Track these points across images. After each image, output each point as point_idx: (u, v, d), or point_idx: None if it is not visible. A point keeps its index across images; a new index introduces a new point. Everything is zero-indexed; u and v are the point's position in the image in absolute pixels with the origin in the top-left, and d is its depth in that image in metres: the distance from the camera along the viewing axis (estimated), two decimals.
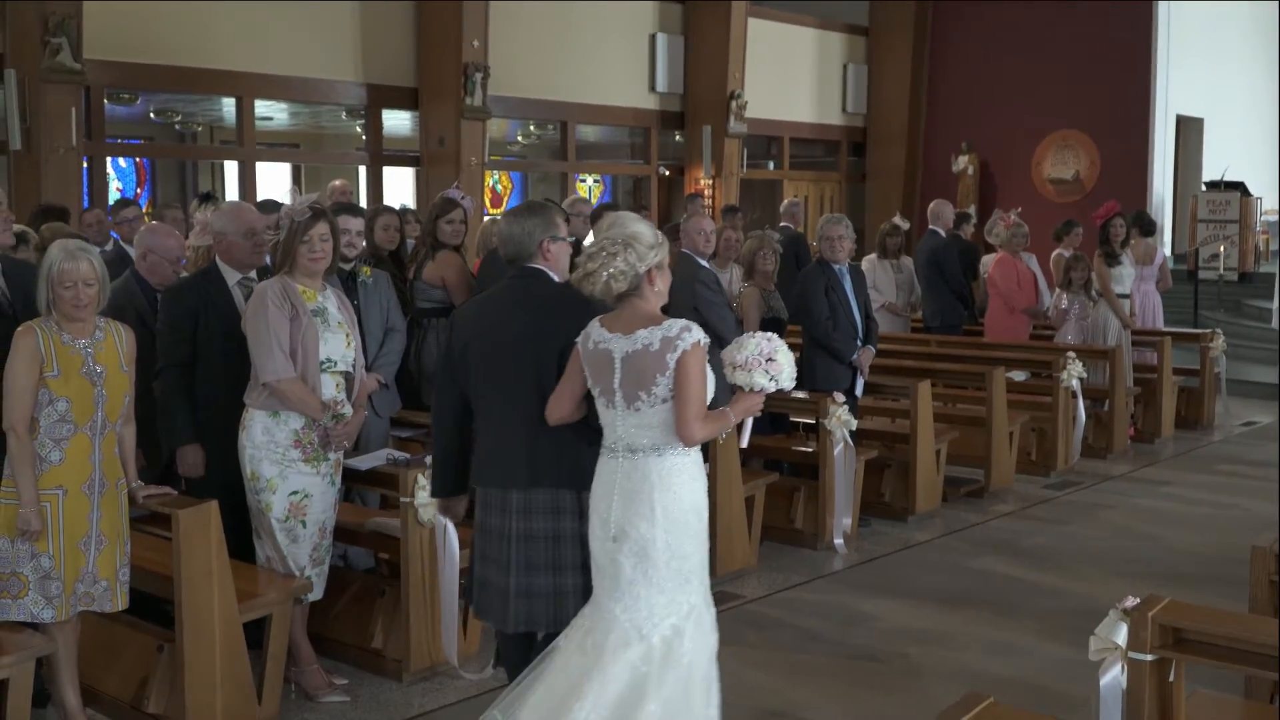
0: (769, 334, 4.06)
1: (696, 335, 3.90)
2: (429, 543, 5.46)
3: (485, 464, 4.35)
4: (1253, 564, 4.37)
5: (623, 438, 3.95)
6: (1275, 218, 19.98)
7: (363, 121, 14.57)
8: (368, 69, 13.66)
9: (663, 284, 4.10)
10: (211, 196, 9.23)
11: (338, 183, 10.41)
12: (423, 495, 5.39)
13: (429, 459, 5.51)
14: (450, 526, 5.41)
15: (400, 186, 15.22)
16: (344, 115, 15.29)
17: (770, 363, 3.93)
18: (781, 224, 12.62)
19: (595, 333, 4.01)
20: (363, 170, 14.71)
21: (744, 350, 3.96)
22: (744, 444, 4.36)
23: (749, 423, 4.15)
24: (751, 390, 3.96)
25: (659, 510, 3.90)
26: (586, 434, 4.14)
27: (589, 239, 8.20)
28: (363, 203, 13.36)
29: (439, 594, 5.47)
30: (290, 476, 5.15)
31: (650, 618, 3.90)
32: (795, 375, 4.02)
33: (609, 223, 4.06)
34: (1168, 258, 11.75)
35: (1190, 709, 3.66)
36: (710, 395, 3.97)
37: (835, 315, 7.88)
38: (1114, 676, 3.57)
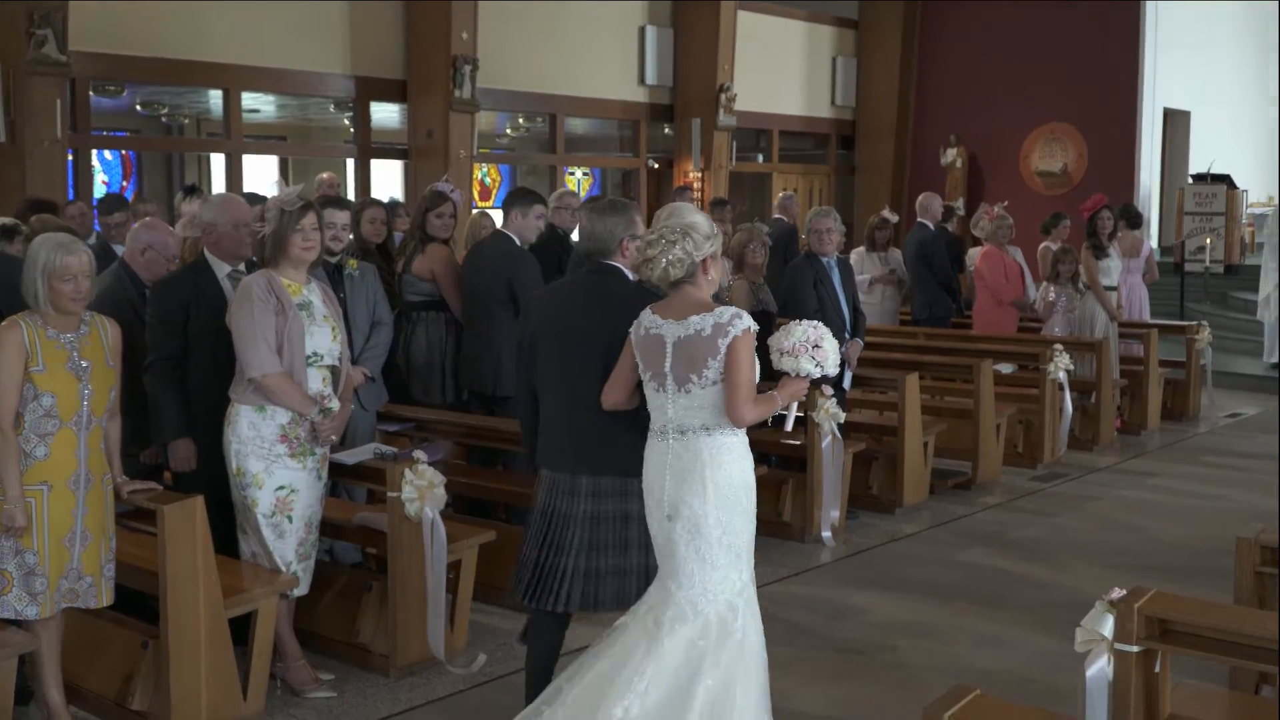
0: (815, 321, 4.18)
1: (747, 322, 4.04)
2: (416, 537, 5.45)
3: (557, 449, 4.49)
4: (1238, 555, 4.39)
5: (673, 419, 4.10)
6: (1261, 210, 20.03)
7: (351, 114, 14.54)
8: (356, 61, 13.62)
9: (715, 273, 4.24)
10: (196, 189, 9.20)
11: (325, 175, 10.40)
12: (409, 490, 5.38)
13: (416, 453, 5.53)
14: (438, 520, 5.41)
15: (388, 179, 15.20)
16: (332, 108, 15.25)
17: (816, 349, 4.08)
18: (775, 216, 12.64)
19: (647, 320, 4.17)
20: (350, 163, 14.69)
21: (791, 337, 4.10)
22: (789, 428, 4.45)
23: (794, 407, 4.28)
24: (797, 375, 4.11)
25: (710, 487, 4.05)
26: (649, 424, 4.27)
27: (575, 234, 8.20)
28: (350, 195, 13.35)
29: (426, 588, 5.46)
30: (276, 472, 5.12)
31: (705, 594, 4.04)
32: (839, 362, 4.18)
33: (668, 212, 4.21)
34: (1154, 250, 11.77)
35: (1176, 700, 3.67)
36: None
37: (823, 308, 7.87)
38: (1100, 668, 3.58)
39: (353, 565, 6.26)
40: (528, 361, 4.61)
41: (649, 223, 4.33)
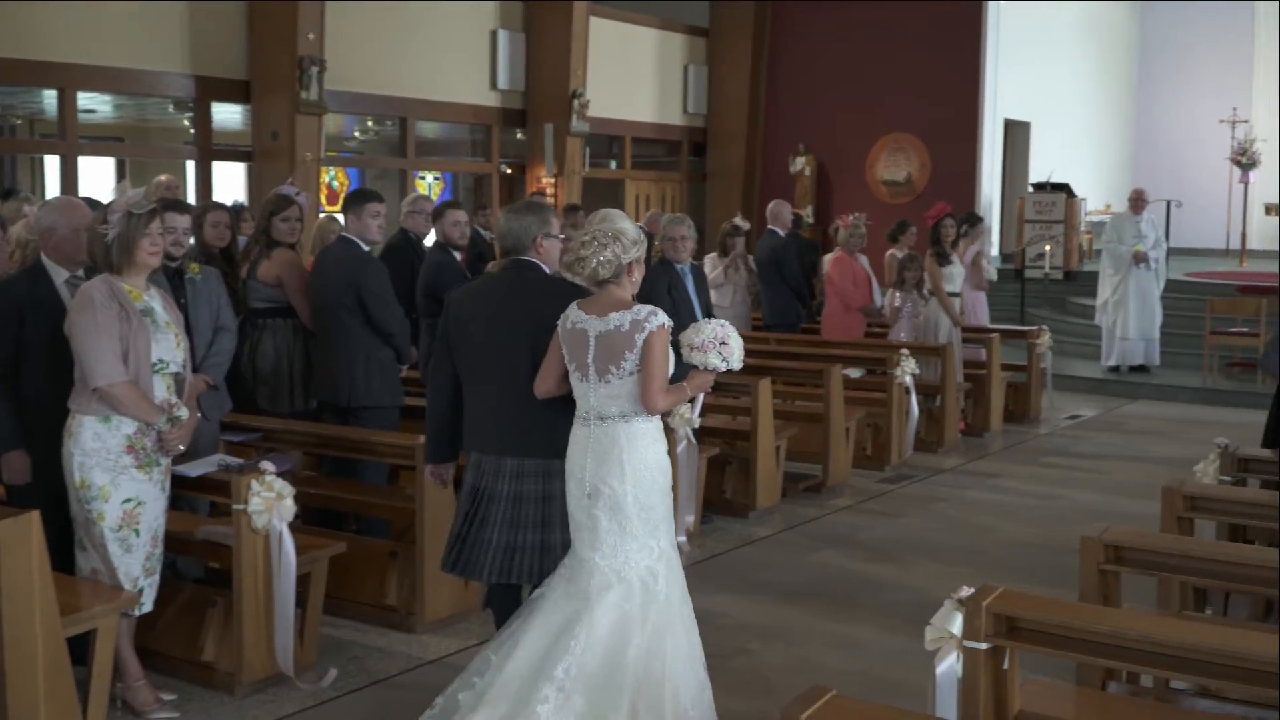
0: (723, 321, 4.59)
1: (661, 319, 4.42)
2: (263, 550, 5.30)
3: (484, 433, 4.79)
4: (1083, 553, 4.50)
5: (594, 407, 4.45)
6: (1098, 218, 20.76)
7: (191, 115, 14.13)
8: (196, 60, 13.24)
9: (638, 275, 4.61)
10: (15, 192, 8.83)
11: (164, 178, 10.08)
12: (256, 502, 5.24)
13: (263, 464, 5.38)
14: (286, 533, 5.28)
15: (231, 182, 14.82)
16: (171, 108, 14.81)
17: (724, 345, 4.46)
18: (639, 225, 12.65)
19: (573, 314, 4.51)
20: (191, 165, 14.27)
21: (701, 334, 4.48)
22: (696, 418, 4.96)
23: (700, 398, 4.73)
24: (706, 369, 4.49)
25: (627, 469, 4.41)
26: (572, 410, 4.60)
27: (429, 239, 8.10)
28: (191, 199, 12.98)
29: (274, 603, 5.32)
30: (123, 484, 4.94)
31: (627, 562, 4.40)
32: (743, 358, 4.53)
33: (600, 217, 4.58)
34: (988, 257, 12.06)
35: (1023, 696, 3.74)
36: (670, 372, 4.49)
37: (678, 314, 7.87)
38: (950, 665, 3.64)
39: (195, 580, 6.06)
40: (446, 353, 4.89)
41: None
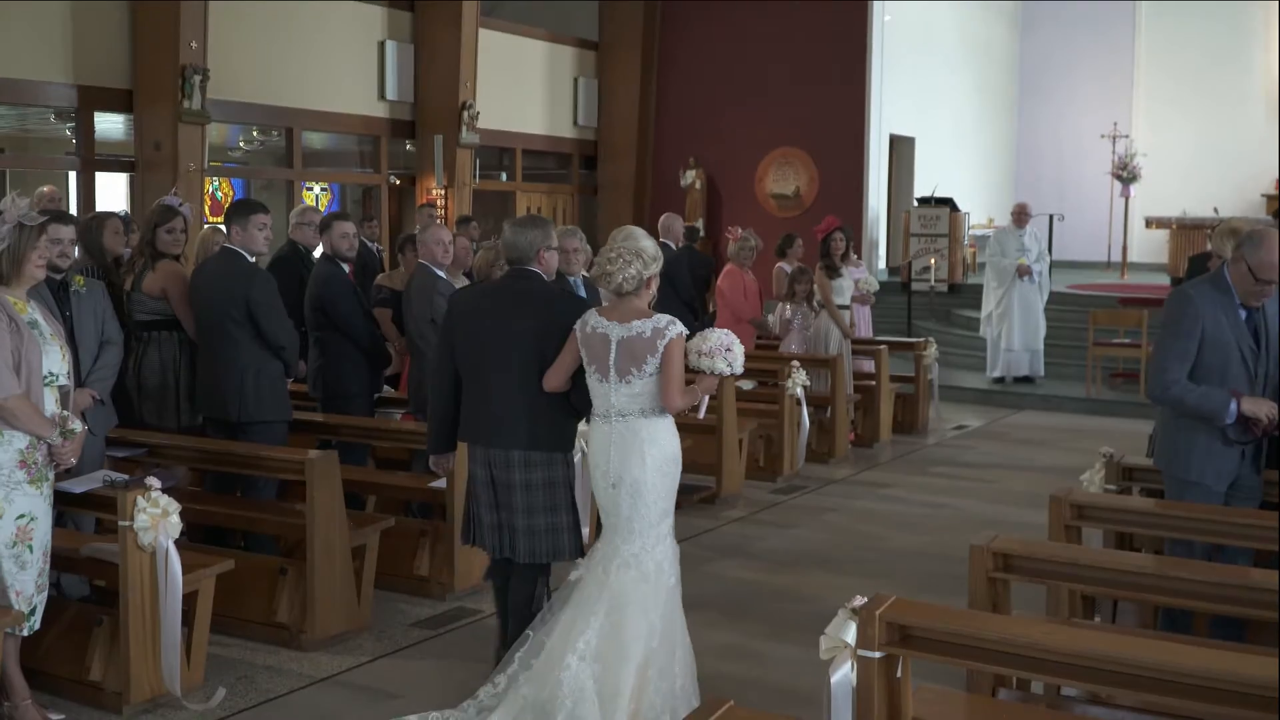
0: (726, 330, 5.08)
1: (679, 329, 4.90)
2: (149, 568, 5.18)
3: (488, 428, 5.23)
4: (971, 562, 4.57)
5: (615, 405, 4.92)
6: (982, 232, 21.16)
7: (73, 124, 13.76)
8: (78, 69, 12.90)
9: (653, 289, 5.09)
10: None
11: (46, 189, 9.80)
12: (142, 518, 5.11)
13: (149, 480, 5.26)
14: (172, 550, 5.16)
15: (114, 192, 14.46)
16: (52, 118, 14.41)
17: (728, 352, 4.96)
18: None
19: (593, 320, 4.97)
20: (73, 175, 13.89)
21: (708, 341, 4.95)
22: (701, 416, 5.42)
23: (705, 400, 5.19)
24: (712, 373, 4.97)
25: (649, 459, 4.90)
26: (569, 409, 5.21)
27: (317, 251, 7.98)
28: (73, 210, 12.64)
29: (160, 621, 5.19)
30: (16, 499, 4.84)
31: (644, 548, 4.90)
32: (744, 364, 5.05)
33: (624, 235, 5.05)
34: (866, 278, 12.18)
35: (916, 703, 3.78)
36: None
37: None
38: (844, 674, 3.66)
39: (80, 599, 5.90)
40: (448, 354, 5.34)
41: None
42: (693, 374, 5.02)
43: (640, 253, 4.99)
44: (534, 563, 5.27)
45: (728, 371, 4.99)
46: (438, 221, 11.36)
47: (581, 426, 5.35)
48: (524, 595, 5.32)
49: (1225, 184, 21.66)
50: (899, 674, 3.65)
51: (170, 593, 5.19)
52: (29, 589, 4.90)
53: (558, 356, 5.09)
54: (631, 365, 4.87)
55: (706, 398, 5.17)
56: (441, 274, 7.50)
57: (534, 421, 5.17)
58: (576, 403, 5.18)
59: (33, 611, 4.93)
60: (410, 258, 8.23)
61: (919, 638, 3.63)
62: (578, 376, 5.09)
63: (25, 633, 4.95)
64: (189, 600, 5.42)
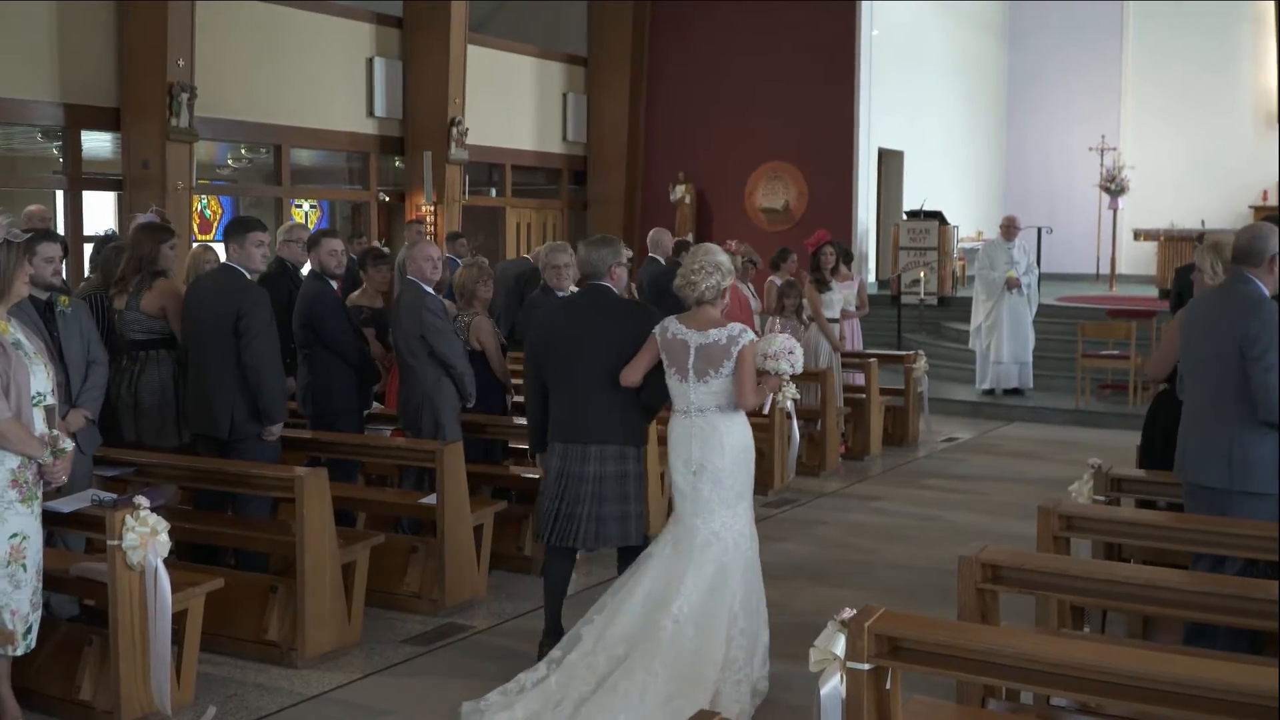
0: (787, 334, 5.72)
1: (750, 336, 5.50)
2: (138, 587, 5.16)
3: (570, 426, 5.80)
4: (960, 573, 4.57)
5: (694, 402, 5.51)
6: (971, 245, 21.21)
7: (60, 143, 13.75)
8: (65, 88, 12.90)
9: (726, 300, 5.67)
10: None
11: (34, 208, 9.80)
12: (131, 537, 5.10)
13: (138, 498, 5.25)
14: (161, 569, 5.15)
15: (101, 211, 14.43)
16: (39, 136, 14.39)
17: (790, 354, 5.51)
18: (523, 256, 12.71)
19: (673, 327, 5.58)
20: (60, 195, 13.87)
21: (773, 345, 5.50)
22: (765, 411, 6.18)
23: (770, 397, 5.87)
24: (776, 374, 5.52)
25: (727, 449, 5.49)
26: (641, 407, 5.81)
27: (305, 268, 7.98)
28: (61, 229, 12.63)
29: (150, 640, 5.18)
30: (9, 518, 4.86)
31: (724, 525, 5.47)
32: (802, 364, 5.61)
33: (704, 251, 5.64)
34: (866, 282, 12.26)
35: (907, 715, 3.78)
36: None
37: None
38: (834, 686, 3.66)
39: (69, 618, 5.88)
40: (536, 365, 5.94)
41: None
42: (759, 374, 5.55)
43: (719, 266, 5.57)
44: (629, 545, 5.84)
45: (789, 372, 5.54)
46: (426, 238, 11.38)
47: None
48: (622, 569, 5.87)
49: (1213, 196, 21.78)
50: (888, 686, 3.65)
51: (160, 611, 5.18)
52: (24, 608, 4.91)
53: (633, 357, 5.67)
54: (709, 368, 5.45)
55: (771, 395, 5.84)
56: (430, 290, 7.50)
57: (610, 420, 5.75)
58: (646, 400, 5.78)
59: (29, 630, 4.93)
60: (373, 273, 8.23)
61: (908, 649, 3.63)
62: (649, 376, 5.68)
63: (21, 651, 4.95)
64: (179, 619, 5.41)
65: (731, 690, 5.25)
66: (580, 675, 5.29)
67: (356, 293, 8.27)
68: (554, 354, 5.88)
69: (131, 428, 7.03)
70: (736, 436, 5.55)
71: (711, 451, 5.50)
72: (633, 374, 5.69)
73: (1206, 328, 5.39)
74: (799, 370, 5.60)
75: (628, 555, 5.86)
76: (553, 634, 5.92)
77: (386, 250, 10.40)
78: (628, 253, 6.31)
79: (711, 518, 5.49)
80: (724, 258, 5.63)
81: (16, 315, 5.22)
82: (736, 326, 5.52)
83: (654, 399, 5.75)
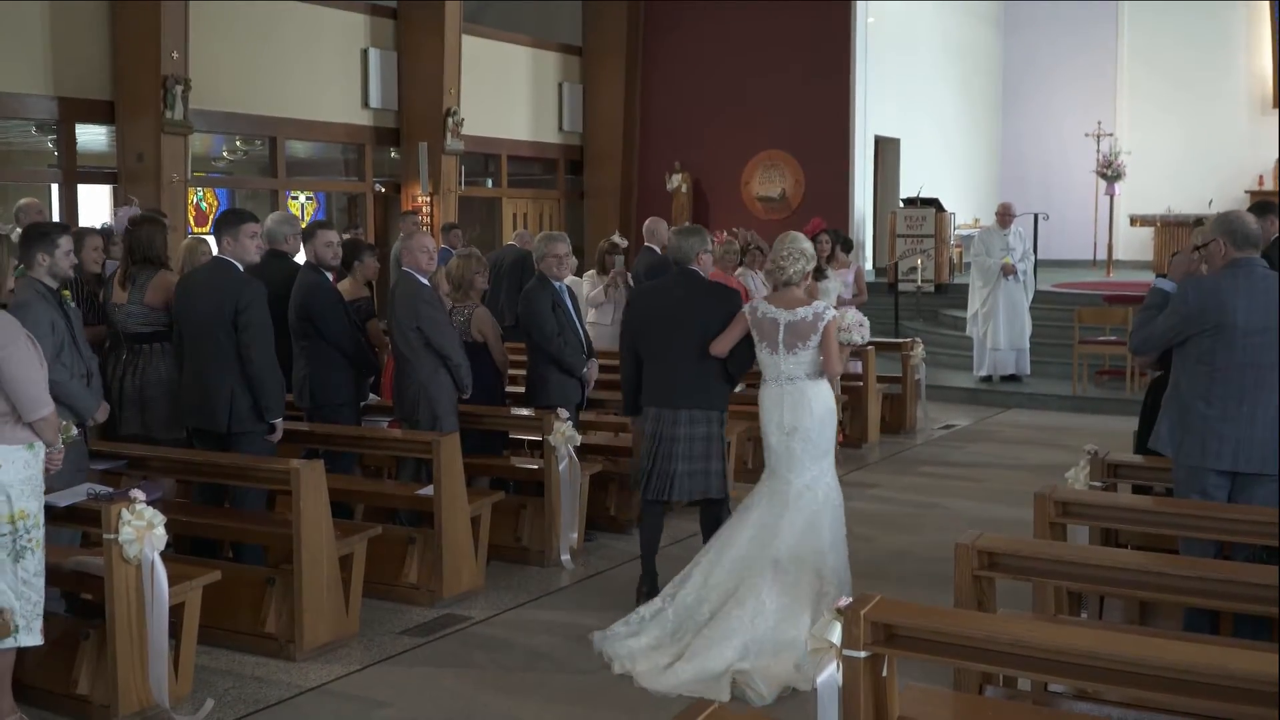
0: (856, 309, 6.45)
1: (833, 314, 6.24)
2: (135, 581, 5.16)
3: (663, 393, 6.60)
4: (957, 561, 4.57)
5: (784, 371, 6.24)
6: (967, 232, 21.20)
7: (54, 137, 13.74)
8: (59, 81, 12.89)
9: (809, 281, 6.59)
10: None
11: (27, 201, 9.79)
12: (127, 531, 5.10)
13: (134, 492, 5.25)
14: (158, 562, 5.15)
15: (96, 204, 14.42)
16: (34, 130, 14.38)
17: (861, 326, 6.31)
18: (509, 243, 12.70)
19: (763, 307, 6.33)
20: (55, 188, 13.87)
21: (847, 319, 6.27)
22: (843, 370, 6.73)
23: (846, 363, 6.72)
24: (848, 344, 6.32)
25: (815, 412, 6.22)
26: (726, 376, 6.60)
27: (300, 257, 7.97)
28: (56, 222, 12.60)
29: (148, 633, 5.18)
30: (42, 510, 4.97)
31: (815, 479, 6.21)
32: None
33: (790, 239, 6.40)
34: (865, 270, 12.28)
35: (903, 702, 3.79)
36: None
37: (564, 330, 7.91)
38: (830, 674, 3.67)
39: (64, 613, 5.88)
40: (632, 338, 6.76)
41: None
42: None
43: (804, 252, 6.33)
44: (697, 500, 6.69)
45: (860, 342, 6.37)
46: (422, 229, 11.36)
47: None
48: (712, 520, 6.63)
49: (1209, 181, 21.74)
50: (885, 673, 3.65)
51: (157, 605, 5.18)
52: (41, 595, 4.98)
53: (722, 332, 6.41)
54: (797, 341, 6.19)
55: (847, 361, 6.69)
56: (425, 281, 7.49)
57: (697, 387, 6.53)
58: (733, 369, 6.55)
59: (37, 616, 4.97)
60: (369, 263, 8.24)
61: (904, 637, 3.64)
62: (735, 349, 6.42)
63: (30, 643, 4.96)
64: (176, 612, 5.40)
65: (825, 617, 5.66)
66: (694, 608, 6.04)
67: (346, 282, 8.25)
68: (650, 330, 6.67)
69: (137, 420, 7.02)
70: (823, 400, 6.28)
71: (802, 414, 6.21)
72: (721, 346, 6.44)
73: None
74: (868, 340, 6.52)
75: (710, 507, 6.69)
76: (649, 578, 6.73)
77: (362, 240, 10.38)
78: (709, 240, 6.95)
79: (804, 472, 6.20)
80: (806, 245, 6.38)
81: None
82: (820, 305, 6.29)
83: (739, 369, 6.55)
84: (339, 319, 7.55)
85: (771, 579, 5.96)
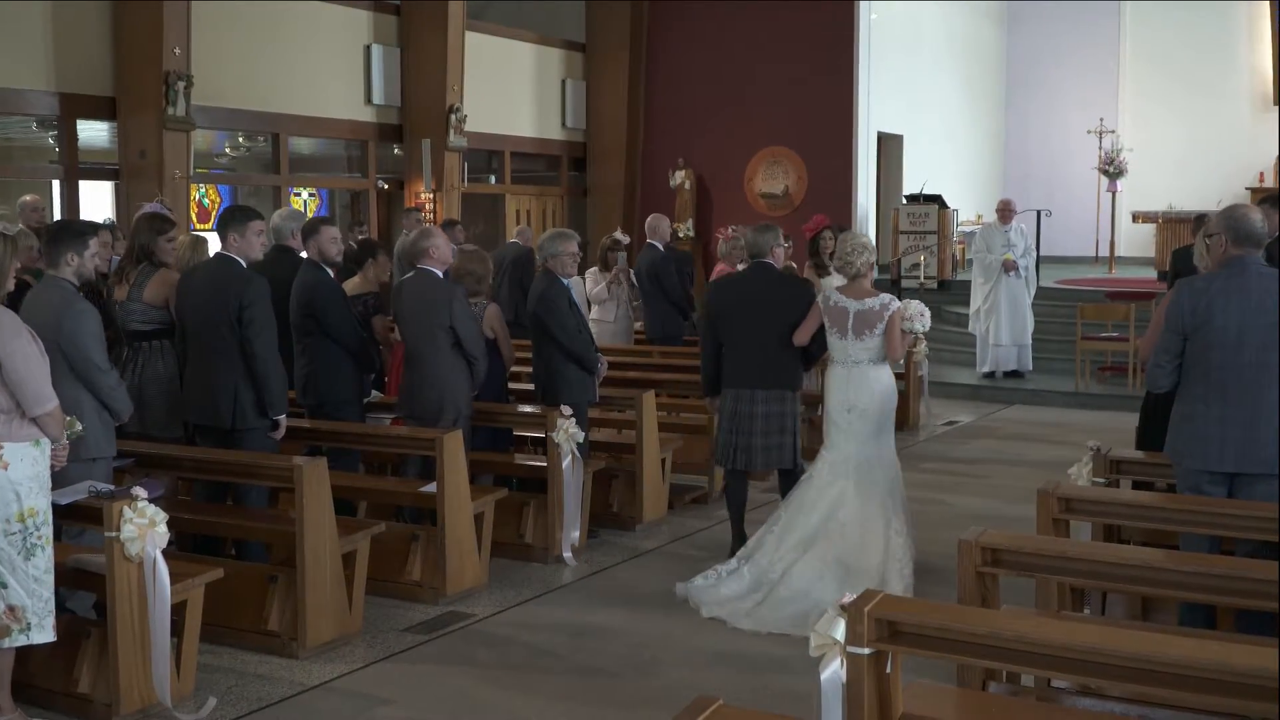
0: (918, 300, 7.11)
1: (898, 304, 6.95)
2: (137, 579, 5.16)
3: (741, 375, 7.28)
4: (960, 557, 4.56)
5: (851, 355, 6.93)
6: (970, 228, 21.17)
7: (55, 133, 13.72)
8: (60, 77, 12.87)
9: (874, 273, 7.20)
10: None
11: (29, 198, 9.80)
12: (129, 529, 5.09)
13: (135, 490, 5.25)
14: (160, 560, 5.14)
15: (98, 201, 14.42)
16: (35, 126, 14.36)
17: (922, 316, 6.96)
18: (511, 240, 12.68)
19: (834, 296, 7.01)
20: (56, 185, 13.85)
21: (910, 309, 6.94)
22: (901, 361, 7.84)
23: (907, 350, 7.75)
24: (911, 331, 6.99)
25: (875, 392, 6.93)
26: (799, 358, 7.32)
27: (304, 252, 7.96)
28: (56, 219, 12.60)
29: (150, 631, 5.17)
30: (50, 507, 4.99)
31: (876, 451, 6.93)
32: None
33: (854, 235, 7.24)
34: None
35: (907, 699, 3.78)
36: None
37: (582, 329, 7.96)
38: (834, 671, 3.65)
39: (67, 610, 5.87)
40: (712, 325, 7.40)
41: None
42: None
43: (865, 246, 7.02)
44: (779, 468, 7.38)
45: (921, 330, 7.02)
46: (426, 224, 11.34)
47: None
48: (789, 484, 7.27)
49: (1211, 178, 21.73)
50: (889, 670, 3.65)
51: (159, 603, 5.17)
52: (51, 593, 4.99)
53: (801, 323, 7.14)
54: (865, 328, 6.88)
55: (908, 347, 7.46)
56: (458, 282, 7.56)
57: (773, 369, 7.21)
58: (814, 353, 7.30)
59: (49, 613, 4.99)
60: (382, 262, 8.26)
61: (908, 633, 3.63)
62: (815, 334, 7.12)
63: (41, 640, 4.98)
64: (178, 610, 5.40)
65: (895, 573, 6.70)
66: (769, 566, 6.77)
67: (356, 279, 8.24)
68: (730, 318, 7.32)
69: (134, 418, 7.00)
70: (884, 382, 6.97)
71: (863, 394, 6.89)
72: (803, 335, 7.16)
73: None
74: (928, 328, 7.15)
75: (786, 476, 7.38)
76: (739, 539, 7.39)
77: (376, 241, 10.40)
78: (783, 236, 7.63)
79: (865, 446, 6.88)
80: (867, 239, 7.18)
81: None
82: (886, 296, 6.96)
83: (817, 352, 7.28)
84: (343, 314, 7.53)
85: (838, 542, 6.75)
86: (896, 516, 6.89)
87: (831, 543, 6.77)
